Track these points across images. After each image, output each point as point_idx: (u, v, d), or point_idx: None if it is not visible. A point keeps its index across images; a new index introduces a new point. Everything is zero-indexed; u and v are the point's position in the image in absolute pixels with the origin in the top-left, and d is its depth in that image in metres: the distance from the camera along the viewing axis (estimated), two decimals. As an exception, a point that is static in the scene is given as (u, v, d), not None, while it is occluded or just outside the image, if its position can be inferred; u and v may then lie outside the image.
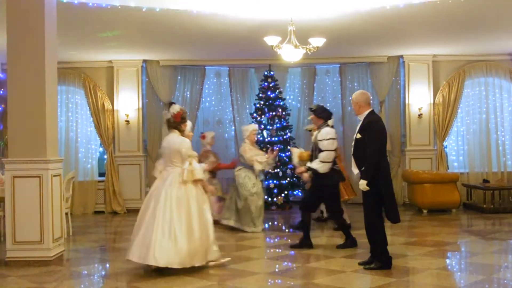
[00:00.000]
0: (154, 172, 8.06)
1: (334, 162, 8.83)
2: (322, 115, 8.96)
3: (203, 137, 12.05)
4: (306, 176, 9.13)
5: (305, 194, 9.57)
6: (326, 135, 8.70)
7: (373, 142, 7.26)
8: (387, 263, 7.41)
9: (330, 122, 9.04)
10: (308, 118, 11.21)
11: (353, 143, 7.51)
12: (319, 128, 8.96)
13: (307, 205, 9.12)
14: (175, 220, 7.25)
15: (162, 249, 7.12)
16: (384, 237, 7.45)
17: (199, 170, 7.57)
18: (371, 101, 7.64)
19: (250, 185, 10.67)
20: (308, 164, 8.97)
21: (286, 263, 8.12)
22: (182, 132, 7.79)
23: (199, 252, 7.36)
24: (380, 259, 7.41)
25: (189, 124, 8.24)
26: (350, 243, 9.02)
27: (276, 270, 7.73)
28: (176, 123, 7.76)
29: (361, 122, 7.45)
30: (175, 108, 7.78)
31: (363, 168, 7.31)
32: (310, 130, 11.33)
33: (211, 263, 7.64)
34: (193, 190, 7.52)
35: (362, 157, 7.32)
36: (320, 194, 8.91)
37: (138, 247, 7.25)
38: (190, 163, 7.51)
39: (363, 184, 7.25)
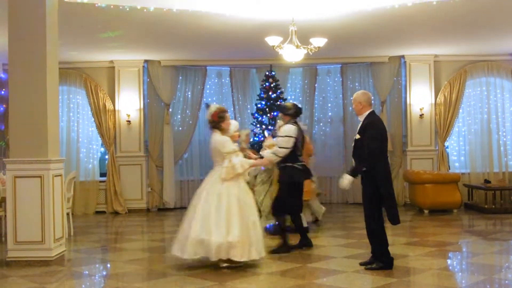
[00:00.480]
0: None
1: (296, 160, 8.78)
2: (288, 112, 8.98)
3: (238, 136, 11.68)
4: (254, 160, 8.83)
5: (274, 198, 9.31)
6: (283, 132, 8.77)
7: (372, 142, 7.21)
8: (388, 264, 7.40)
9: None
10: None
11: (352, 144, 7.52)
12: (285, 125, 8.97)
13: (276, 207, 8.99)
14: (213, 216, 7.40)
15: (196, 243, 7.35)
16: (385, 237, 7.43)
17: (239, 164, 7.68)
18: (372, 102, 7.63)
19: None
20: (261, 152, 9.29)
21: (287, 263, 8.10)
22: (223, 130, 7.88)
23: (238, 248, 7.39)
24: (381, 260, 7.40)
25: (233, 123, 8.30)
26: (286, 248, 8.77)
27: (277, 270, 7.72)
28: (215, 123, 7.87)
29: (361, 123, 7.44)
30: (212, 109, 7.93)
31: (354, 166, 7.42)
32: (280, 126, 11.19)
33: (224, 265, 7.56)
34: (235, 188, 7.64)
35: (361, 157, 7.30)
36: (283, 191, 8.86)
37: (179, 242, 7.57)
38: (229, 160, 7.67)
39: (345, 179, 7.29)
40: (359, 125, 7.48)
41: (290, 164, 8.73)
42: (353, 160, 7.53)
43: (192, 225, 7.45)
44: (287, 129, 8.73)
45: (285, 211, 8.96)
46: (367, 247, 7.96)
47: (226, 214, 7.44)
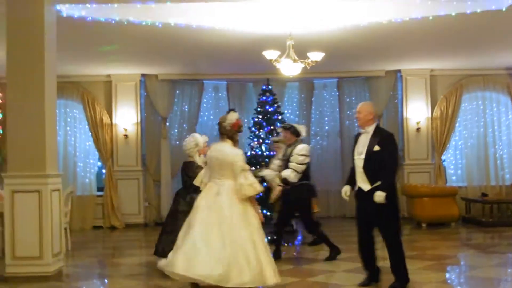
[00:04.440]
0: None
1: (309, 178, 9.41)
2: (296, 133, 9.45)
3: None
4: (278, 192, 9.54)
5: (280, 212, 9.88)
6: (300, 150, 9.19)
7: (394, 154, 7.11)
8: (407, 282, 7.06)
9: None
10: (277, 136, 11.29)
11: (362, 157, 7.04)
12: (292, 145, 9.39)
13: (280, 221, 9.65)
14: (244, 241, 6.50)
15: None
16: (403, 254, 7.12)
17: (256, 182, 6.85)
18: None
19: None
20: (281, 174, 9.36)
21: (286, 277, 8.07)
22: (236, 142, 7.05)
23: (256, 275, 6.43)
24: (402, 278, 7.03)
25: (203, 138, 8.40)
26: (335, 253, 9.26)
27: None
28: (233, 132, 6.99)
29: (373, 134, 7.06)
30: (234, 116, 7.05)
31: (379, 182, 6.92)
32: (277, 142, 11.16)
33: None
34: (248, 208, 6.80)
35: (375, 171, 6.93)
36: (292, 208, 9.50)
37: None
38: (245, 177, 6.77)
39: (381, 196, 6.80)
40: (370, 136, 7.07)
41: (306, 182, 9.30)
42: (362, 174, 7.05)
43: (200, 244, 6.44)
44: (303, 148, 9.24)
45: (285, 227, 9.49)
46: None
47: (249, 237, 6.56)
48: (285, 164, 9.32)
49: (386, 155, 6.93)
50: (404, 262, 7.06)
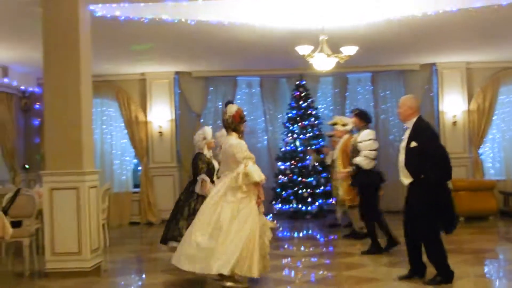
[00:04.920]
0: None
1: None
2: (365, 118, 9.40)
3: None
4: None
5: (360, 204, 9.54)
6: (367, 136, 9.16)
7: (436, 145, 7.04)
8: (448, 277, 6.98)
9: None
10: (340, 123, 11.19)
11: (403, 151, 7.05)
12: (359, 130, 9.39)
13: (365, 213, 9.32)
14: (216, 230, 6.78)
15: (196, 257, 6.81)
16: (444, 248, 7.03)
17: (256, 172, 6.91)
18: None
19: None
20: (354, 160, 9.24)
21: (322, 271, 8.08)
22: (241, 133, 7.22)
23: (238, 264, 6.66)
24: (441, 273, 6.98)
25: (208, 130, 8.52)
26: (376, 250, 9.14)
27: (312, 279, 7.70)
28: (235, 124, 7.17)
29: (411, 129, 7.04)
30: (233, 108, 7.28)
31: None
32: (331, 136, 11.49)
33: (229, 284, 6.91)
34: (243, 201, 6.89)
35: (416, 166, 6.89)
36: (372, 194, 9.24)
37: (180, 252, 7.06)
38: (245, 165, 6.90)
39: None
40: (409, 131, 7.07)
41: (375, 169, 9.30)
42: (404, 169, 7.02)
43: (194, 238, 6.84)
44: (368, 133, 9.26)
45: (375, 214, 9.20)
46: (402, 255, 7.89)
47: (229, 229, 6.76)
48: (354, 150, 9.32)
49: (430, 149, 6.86)
50: (445, 258, 6.97)
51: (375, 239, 9.17)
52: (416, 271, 7.22)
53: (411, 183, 6.99)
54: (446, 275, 6.96)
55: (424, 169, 6.84)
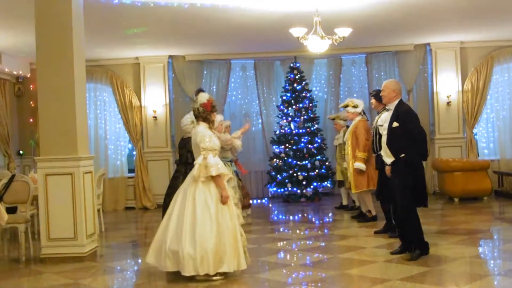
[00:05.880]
0: None
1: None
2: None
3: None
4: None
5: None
6: (385, 120, 8.71)
7: (417, 126, 7.36)
8: (425, 249, 7.43)
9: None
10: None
11: (385, 132, 7.51)
12: (379, 113, 9.23)
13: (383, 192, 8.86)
14: (188, 224, 6.53)
15: (171, 255, 6.61)
16: (419, 224, 7.42)
17: (215, 165, 6.61)
18: None
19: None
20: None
21: (317, 254, 8.10)
22: (212, 123, 6.98)
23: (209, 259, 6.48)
24: (418, 246, 7.39)
25: (218, 118, 8.15)
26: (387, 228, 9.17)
27: (308, 262, 7.72)
28: (206, 113, 6.89)
29: (393, 111, 7.42)
30: (204, 96, 6.97)
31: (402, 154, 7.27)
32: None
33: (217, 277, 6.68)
34: (212, 188, 6.68)
35: (397, 146, 7.30)
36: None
37: (154, 250, 6.85)
38: (204, 157, 6.63)
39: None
40: (391, 113, 7.48)
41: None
42: (385, 149, 7.48)
43: (167, 234, 6.64)
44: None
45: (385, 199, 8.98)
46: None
47: (199, 221, 6.52)
48: (374, 134, 9.24)
49: (409, 128, 7.25)
50: (420, 233, 7.41)
51: (390, 220, 9.03)
52: (406, 247, 7.53)
53: (392, 163, 7.42)
54: (424, 247, 7.41)
55: (405, 149, 7.25)
